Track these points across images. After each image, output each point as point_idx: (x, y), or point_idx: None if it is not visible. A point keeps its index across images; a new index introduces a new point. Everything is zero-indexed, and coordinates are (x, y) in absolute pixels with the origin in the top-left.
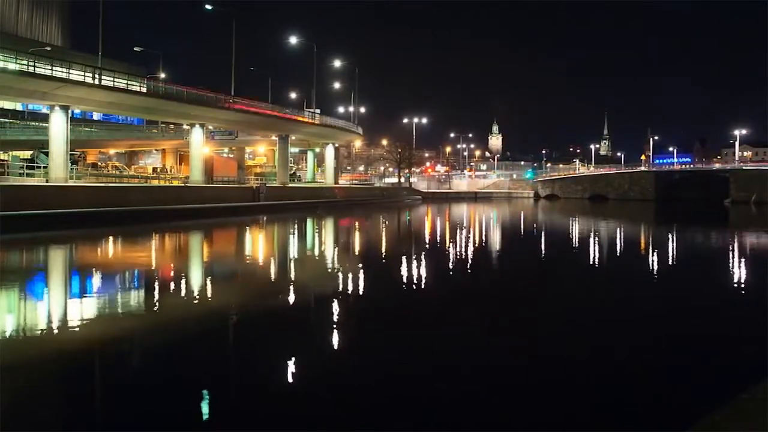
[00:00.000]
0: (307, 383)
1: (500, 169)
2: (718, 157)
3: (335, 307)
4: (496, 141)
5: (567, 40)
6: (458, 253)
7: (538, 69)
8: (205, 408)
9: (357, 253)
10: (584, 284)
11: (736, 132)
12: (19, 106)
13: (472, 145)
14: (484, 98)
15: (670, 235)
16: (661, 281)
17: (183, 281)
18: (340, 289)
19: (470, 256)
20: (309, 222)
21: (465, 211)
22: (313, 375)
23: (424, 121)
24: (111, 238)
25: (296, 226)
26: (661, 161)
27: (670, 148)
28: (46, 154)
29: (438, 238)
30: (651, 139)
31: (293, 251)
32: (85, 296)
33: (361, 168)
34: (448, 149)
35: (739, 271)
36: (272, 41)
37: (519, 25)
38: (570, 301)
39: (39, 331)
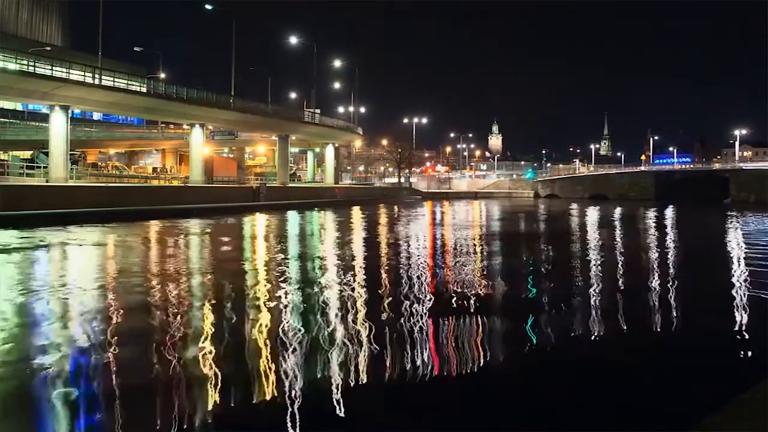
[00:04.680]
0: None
1: (500, 169)
2: (718, 157)
3: (335, 300)
4: (496, 141)
5: (567, 40)
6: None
7: (539, 69)
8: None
9: (357, 250)
10: (584, 277)
11: (736, 132)
12: (19, 106)
13: (472, 145)
14: (484, 98)
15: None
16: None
17: (185, 279)
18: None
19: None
20: (309, 221)
21: (463, 209)
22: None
23: (424, 121)
24: (112, 238)
25: (297, 225)
26: (661, 161)
27: (670, 148)
28: (46, 154)
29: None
30: (651, 139)
31: (293, 249)
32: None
33: (361, 168)
34: (448, 149)
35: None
36: (272, 41)
37: (519, 25)
38: (566, 298)
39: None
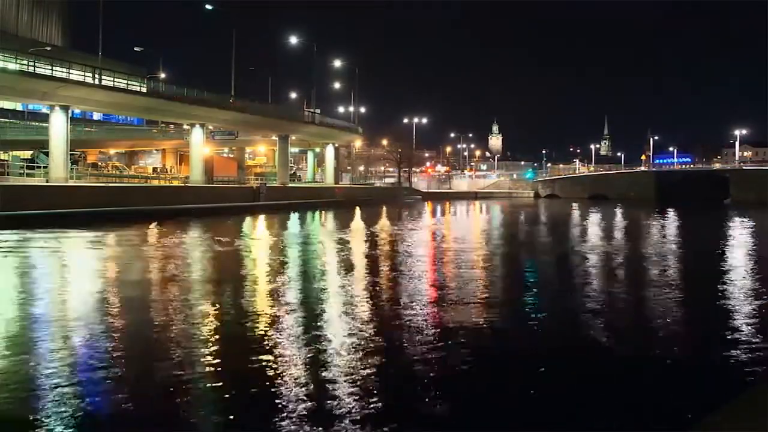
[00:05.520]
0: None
1: (500, 169)
2: (718, 157)
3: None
4: (496, 141)
5: (567, 40)
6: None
7: (539, 69)
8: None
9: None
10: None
11: (736, 132)
12: (19, 106)
13: (472, 145)
14: (484, 98)
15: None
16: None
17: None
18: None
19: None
20: (309, 219)
21: (460, 208)
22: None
23: (424, 121)
24: (112, 236)
25: (296, 223)
26: (661, 161)
27: (670, 148)
28: (46, 154)
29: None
30: (651, 139)
31: (292, 244)
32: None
33: (361, 168)
34: (449, 149)
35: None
36: (272, 41)
37: (519, 25)
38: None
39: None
